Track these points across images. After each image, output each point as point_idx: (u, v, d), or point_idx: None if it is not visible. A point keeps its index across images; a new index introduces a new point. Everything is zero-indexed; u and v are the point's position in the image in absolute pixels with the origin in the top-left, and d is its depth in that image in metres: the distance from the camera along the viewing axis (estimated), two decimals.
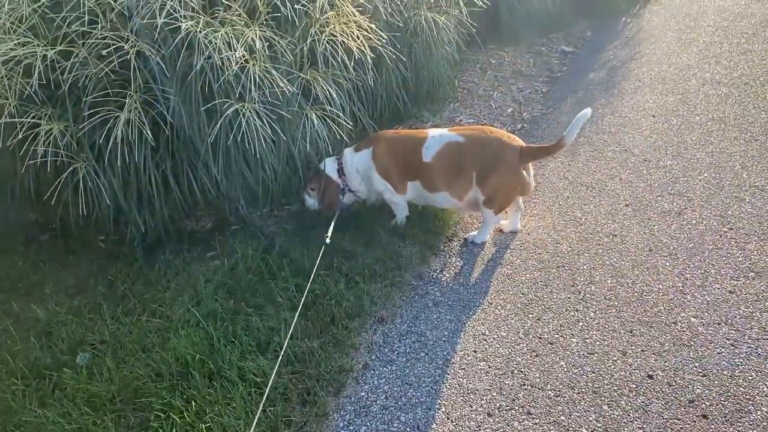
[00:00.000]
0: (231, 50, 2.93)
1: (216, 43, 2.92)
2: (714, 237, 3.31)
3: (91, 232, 3.46)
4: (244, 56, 2.95)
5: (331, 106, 3.46)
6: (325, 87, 3.34)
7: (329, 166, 3.51)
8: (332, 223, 3.19)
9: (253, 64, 3.02)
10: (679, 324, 2.76)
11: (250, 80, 2.98)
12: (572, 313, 2.88)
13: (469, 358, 2.66)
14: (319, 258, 2.90)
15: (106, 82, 2.95)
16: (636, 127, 4.65)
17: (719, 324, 2.74)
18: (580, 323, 2.82)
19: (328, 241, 3.07)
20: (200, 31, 2.88)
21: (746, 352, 2.55)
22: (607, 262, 3.20)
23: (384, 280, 3.11)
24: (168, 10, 2.88)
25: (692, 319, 2.79)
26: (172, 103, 3.04)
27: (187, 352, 2.59)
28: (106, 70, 2.90)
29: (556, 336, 2.75)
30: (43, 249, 3.51)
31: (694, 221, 3.46)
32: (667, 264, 3.15)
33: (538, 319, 2.86)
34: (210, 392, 2.42)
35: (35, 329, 2.86)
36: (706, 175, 3.90)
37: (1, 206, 3.65)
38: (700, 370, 2.51)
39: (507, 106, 5.08)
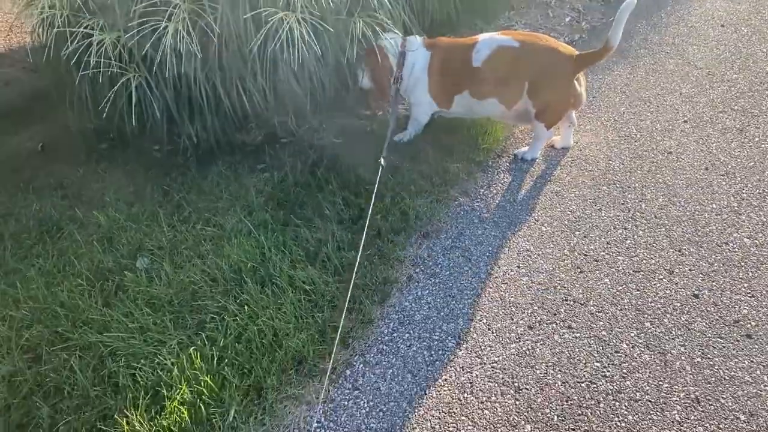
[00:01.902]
0: None
1: None
2: None
3: (146, 141, 3.54)
4: None
5: (381, 12, 3.36)
6: None
7: (389, 43, 3.29)
8: (386, 142, 3.12)
9: None
10: (731, 244, 2.71)
11: None
12: (620, 231, 2.85)
13: (513, 273, 2.69)
14: (378, 180, 2.85)
15: None
16: (702, 38, 4.40)
17: None
18: (628, 241, 2.79)
19: (383, 163, 3.03)
20: None
21: None
22: (660, 180, 3.12)
23: (430, 196, 3.12)
24: None
25: (745, 240, 2.73)
26: (219, 12, 3.01)
27: (240, 259, 2.69)
28: None
29: (602, 253, 2.74)
30: (103, 158, 3.62)
31: (756, 139, 3.32)
32: (723, 183, 3.05)
33: (585, 237, 2.84)
34: (262, 297, 2.52)
35: (97, 234, 3.00)
36: None
37: (61, 116, 3.77)
38: (748, 291, 2.48)
39: (565, 15, 4.85)
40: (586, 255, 2.74)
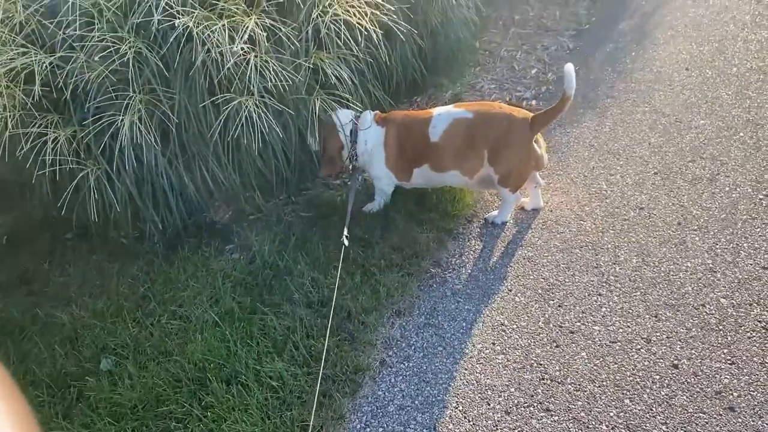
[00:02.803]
0: (230, 43, 2.84)
1: (214, 37, 2.83)
2: (748, 206, 3.14)
3: (112, 229, 3.47)
4: (242, 48, 2.86)
5: (341, 88, 3.35)
6: (334, 69, 3.23)
7: (339, 117, 3.27)
8: (347, 221, 3.10)
9: (255, 56, 2.93)
10: (708, 306, 2.65)
11: (251, 72, 2.89)
12: (595, 298, 2.79)
13: (488, 351, 2.61)
14: (340, 262, 2.83)
15: (108, 84, 2.91)
16: (668, 83, 4.41)
17: (750, 305, 2.62)
18: (603, 309, 2.73)
19: (345, 243, 3.00)
20: (197, 26, 2.80)
21: None
22: (633, 239, 3.08)
23: (401, 270, 3.06)
24: (164, 7, 2.80)
25: (721, 300, 2.67)
26: (176, 100, 2.99)
27: (204, 356, 2.60)
28: (107, 72, 2.85)
29: (578, 324, 2.67)
30: (68, 249, 3.56)
31: (726, 188, 3.29)
32: (697, 239, 3.01)
33: (560, 306, 2.78)
34: (227, 398, 2.43)
35: (60, 335, 2.91)
36: (741, 134, 3.69)
37: (24, 207, 3.70)
38: (728, 358, 2.41)
39: (531, 67, 4.87)
40: (561, 327, 2.67)
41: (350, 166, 3.34)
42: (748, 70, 4.31)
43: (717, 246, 2.94)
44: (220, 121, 2.98)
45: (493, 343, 2.65)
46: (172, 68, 3.02)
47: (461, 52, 4.57)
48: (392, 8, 3.43)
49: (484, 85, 4.62)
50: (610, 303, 2.75)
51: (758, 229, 2.99)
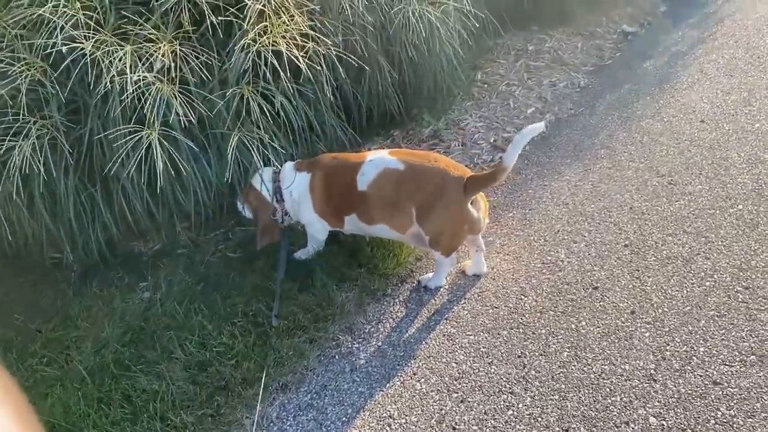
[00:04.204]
0: (134, 71, 2.61)
1: (118, 64, 2.60)
2: (720, 299, 2.65)
3: (34, 253, 3.31)
4: (145, 78, 2.62)
5: (278, 122, 3.08)
6: (258, 103, 2.95)
7: (259, 181, 3.02)
8: (277, 300, 2.81)
9: (163, 86, 2.69)
10: (631, 425, 2.20)
11: (152, 104, 2.65)
12: (505, 396, 2.38)
13: None
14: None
15: (8, 108, 2.74)
16: (676, 136, 3.90)
17: (684, 430, 2.15)
18: (510, 411, 2.32)
19: (275, 323, 2.72)
20: (96, 50, 2.58)
21: None
22: (572, 326, 2.64)
23: (304, 334, 2.74)
24: (67, 30, 2.60)
25: (650, 420, 2.21)
26: (88, 128, 2.80)
27: (51, 418, 2.36)
28: (6, 97, 2.68)
29: (474, 428, 2.27)
30: None
31: (702, 274, 2.80)
32: (647, 335, 2.55)
33: (462, 402, 2.39)
34: None
35: None
36: (740, 207, 3.17)
37: None
38: None
39: (529, 105, 4.44)
40: (454, 429, 2.28)
41: (280, 225, 3.04)
42: None
43: (668, 347, 2.48)
44: (122, 153, 2.74)
45: None
46: (80, 94, 2.81)
47: (447, 85, 4.19)
48: (330, 42, 3.11)
49: (470, 123, 4.22)
50: (521, 405, 2.33)
51: (723, 331, 2.50)
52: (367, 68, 3.49)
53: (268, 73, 2.92)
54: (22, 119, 2.69)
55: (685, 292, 2.73)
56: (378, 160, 2.83)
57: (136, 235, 3.41)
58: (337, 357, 2.67)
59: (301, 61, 2.83)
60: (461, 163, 3.76)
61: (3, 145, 2.71)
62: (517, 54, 5.18)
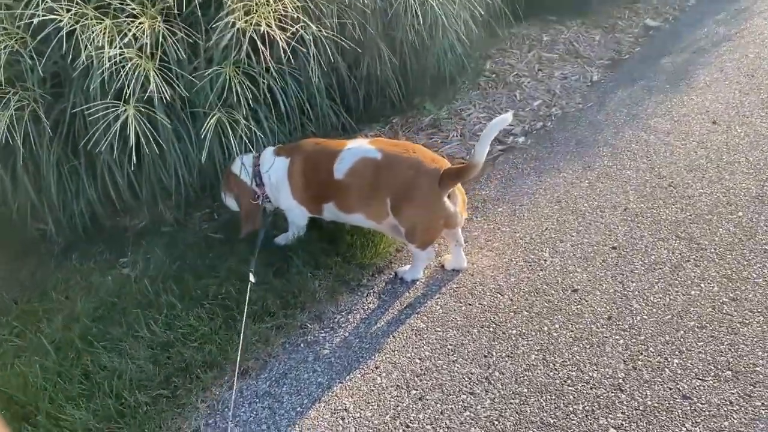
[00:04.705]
0: (112, 46, 2.58)
1: (95, 39, 2.58)
2: (703, 310, 2.53)
3: (19, 224, 3.32)
4: (122, 53, 2.59)
5: (266, 104, 3.04)
6: (241, 82, 2.90)
7: (239, 166, 2.99)
8: (254, 260, 2.76)
9: (143, 62, 2.66)
10: None
11: (132, 80, 2.62)
12: (464, 397, 2.31)
13: None
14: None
15: None
16: (684, 137, 3.74)
17: None
18: (467, 413, 2.25)
19: (252, 280, 2.67)
20: (75, 24, 2.56)
21: None
22: (545, 329, 2.55)
23: (273, 320, 2.70)
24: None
25: (611, 431, 2.12)
26: (70, 101, 2.79)
27: (11, 388, 2.37)
28: None
29: (428, 427, 2.21)
30: None
31: (688, 282, 2.68)
32: (621, 342, 2.45)
33: (420, 399, 2.32)
34: None
35: None
36: (740, 214, 3.03)
37: None
38: None
39: (535, 98, 4.31)
40: (408, 427, 2.22)
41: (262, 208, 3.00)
42: None
43: (640, 356, 2.37)
44: (98, 128, 2.72)
45: None
46: (62, 67, 2.80)
47: (451, 73, 4.09)
48: (322, 25, 3.04)
49: (473, 113, 4.12)
50: (479, 407, 2.26)
51: (701, 344, 2.39)
52: (360, 51, 3.41)
53: (251, 54, 2.86)
54: (1, 89, 2.67)
55: (668, 299, 2.61)
56: (356, 148, 2.76)
57: (121, 212, 3.40)
58: (302, 345, 2.63)
59: (283, 42, 2.76)
60: (457, 154, 3.70)
61: None
62: (531, 44, 5.03)
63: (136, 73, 2.66)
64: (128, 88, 2.63)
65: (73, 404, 2.33)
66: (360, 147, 2.76)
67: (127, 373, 2.44)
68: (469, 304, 2.72)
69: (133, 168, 2.84)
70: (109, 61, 2.56)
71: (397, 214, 2.67)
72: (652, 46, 5.14)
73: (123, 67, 2.63)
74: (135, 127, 2.67)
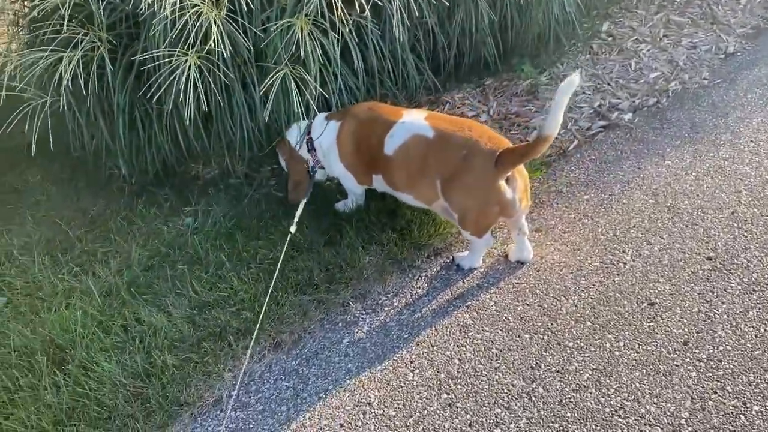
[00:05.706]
0: None
1: None
2: None
3: (93, 164, 3.38)
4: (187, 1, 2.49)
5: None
6: (313, 36, 2.72)
7: (294, 134, 2.89)
8: (299, 211, 2.67)
9: (205, 9, 2.54)
10: None
11: (194, 30, 2.52)
12: (498, 411, 2.09)
13: None
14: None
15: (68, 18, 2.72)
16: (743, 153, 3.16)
17: None
18: (498, 429, 2.04)
19: (293, 230, 2.59)
20: None
21: None
22: (607, 345, 2.25)
23: (315, 293, 2.58)
24: None
25: None
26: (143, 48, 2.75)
27: (52, 329, 2.43)
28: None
29: None
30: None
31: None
32: (693, 375, 2.12)
33: (449, 405, 2.13)
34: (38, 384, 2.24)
35: None
36: None
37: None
38: None
39: (653, 69, 3.80)
40: None
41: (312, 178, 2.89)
42: None
43: (713, 396, 2.04)
44: (159, 77, 2.66)
45: (341, 425, 2.12)
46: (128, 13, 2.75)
47: (556, 34, 3.67)
48: None
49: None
50: (512, 426, 2.04)
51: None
52: (446, 3, 3.09)
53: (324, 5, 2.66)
54: (69, 30, 2.65)
55: (762, 330, 2.22)
56: (410, 123, 2.54)
57: (191, 161, 3.37)
58: (340, 324, 2.49)
59: None
60: None
61: (52, 54, 2.70)
62: (661, 4, 4.44)
63: (199, 22, 2.53)
64: (189, 37, 2.52)
65: (106, 356, 2.34)
66: (413, 122, 2.53)
67: (162, 331, 2.42)
68: (527, 304, 2.46)
69: (199, 118, 2.78)
70: (171, 7, 2.44)
71: (448, 198, 2.43)
72: None
73: (184, 15, 2.51)
74: (195, 77, 2.57)
